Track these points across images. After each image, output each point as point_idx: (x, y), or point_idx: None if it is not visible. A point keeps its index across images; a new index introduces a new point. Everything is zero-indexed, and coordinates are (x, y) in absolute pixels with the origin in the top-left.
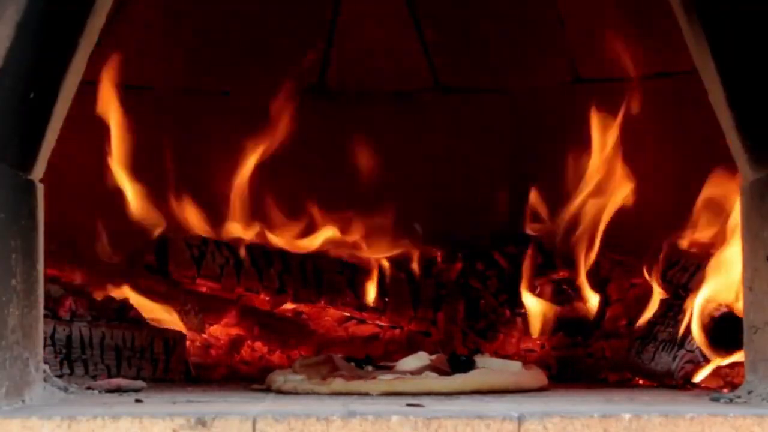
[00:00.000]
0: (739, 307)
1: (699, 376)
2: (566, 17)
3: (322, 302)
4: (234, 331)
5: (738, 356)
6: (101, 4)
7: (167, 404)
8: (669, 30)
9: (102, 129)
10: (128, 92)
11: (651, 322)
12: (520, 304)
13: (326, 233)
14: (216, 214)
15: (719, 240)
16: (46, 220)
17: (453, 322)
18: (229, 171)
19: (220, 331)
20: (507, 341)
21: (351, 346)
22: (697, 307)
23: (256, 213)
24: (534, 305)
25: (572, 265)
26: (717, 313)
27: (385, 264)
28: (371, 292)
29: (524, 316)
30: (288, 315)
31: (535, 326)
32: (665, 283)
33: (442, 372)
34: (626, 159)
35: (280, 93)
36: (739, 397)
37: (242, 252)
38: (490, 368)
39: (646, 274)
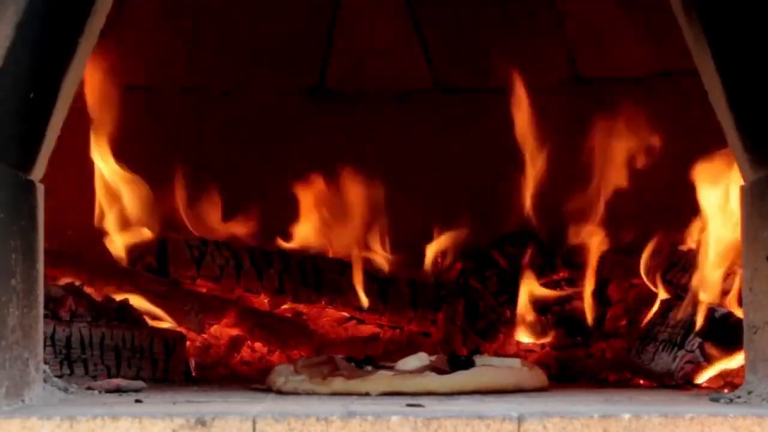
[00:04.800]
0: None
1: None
2: (566, 17)
3: (322, 302)
4: (234, 332)
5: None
6: (101, 5)
7: (167, 404)
8: (669, 30)
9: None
10: (128, 92)
11: (651, 322)
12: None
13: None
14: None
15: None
16: (45, 220)
17: (453, 322)
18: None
19: (219, 331)
20: (507, 341)
21: (351, 347)
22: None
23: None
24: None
25: (572, 265)
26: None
27: (385, 264)
28: (371, 292)
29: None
30: (288, 315)
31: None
32: (665, 284)
33: (442, 372)
34: (627, 158)
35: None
36: (739, 397)
37: (242, 252)
38: (490, 367)
39: (643, 275)
